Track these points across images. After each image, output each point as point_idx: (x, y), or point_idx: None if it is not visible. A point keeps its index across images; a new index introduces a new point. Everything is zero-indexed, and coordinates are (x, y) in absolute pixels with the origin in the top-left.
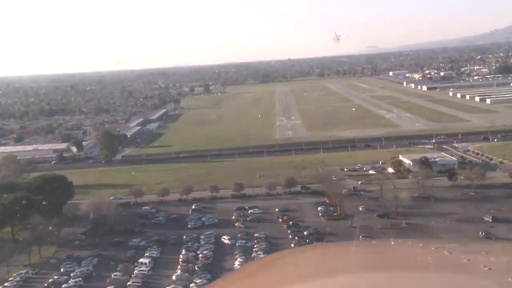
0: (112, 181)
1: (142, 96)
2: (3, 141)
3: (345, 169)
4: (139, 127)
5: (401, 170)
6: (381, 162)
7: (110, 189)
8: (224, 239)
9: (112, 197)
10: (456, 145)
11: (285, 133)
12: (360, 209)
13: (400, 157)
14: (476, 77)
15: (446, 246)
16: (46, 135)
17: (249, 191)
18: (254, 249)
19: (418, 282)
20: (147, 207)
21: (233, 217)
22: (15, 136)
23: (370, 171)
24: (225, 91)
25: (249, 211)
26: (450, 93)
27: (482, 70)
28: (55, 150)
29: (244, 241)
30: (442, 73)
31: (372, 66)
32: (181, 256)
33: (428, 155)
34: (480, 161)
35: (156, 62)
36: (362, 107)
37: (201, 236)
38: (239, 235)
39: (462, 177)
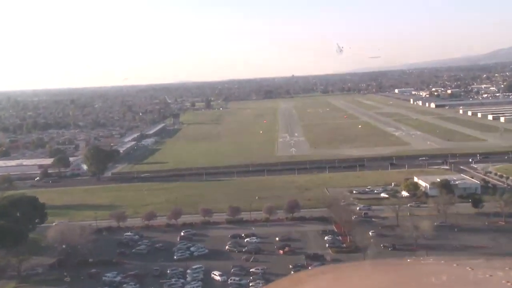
0: (97, 201)
1: (141, 111)
2: None
3: (354, 192)
4: (134, 142)
5: (417, 194)
6: (394, 184)
7: (93, 210)
8: (215, 274)
9: (92, 221)
10: (475, 166)
11: (287, 150)
12: (373, 240)
13: (415, 179)
14: (485, 95)
15: (468, 263)
16: (36, 150)
17: (247, 215)
18: None
19: None
20: (129, 233)
21: (227, 246)
22: (3, 149)
23: (382, 194)
24: (227, 106)
25: (245, 240)
26: (461, 111)
27: (490, 88)
28: (40, 166)
29: (237, 278)
30: (449, 91)
31: (376, 83)
32: None
33: (447, 177)
34: (505, 185)
35: (160, 78)
36: (369, 124)
37: (188, 271)
38: (232, 270)
39: (487, 204)
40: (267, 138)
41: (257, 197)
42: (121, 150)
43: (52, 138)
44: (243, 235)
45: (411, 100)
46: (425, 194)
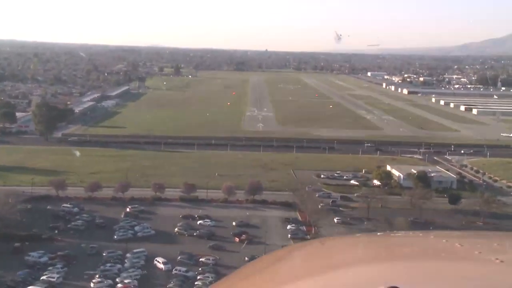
0: (39, 164)
1: (107, 71)
2: None
3: (322, 176)
4: (92, 103)
5: (389, 184)
6: (364, 171)
7: (33, 174)
8: (158, 262)
9: (28, 187)
10: (449, 157)
11: (254, 125)
12: (340, 232)
13: (388, 168)
14: (457, 86)
15: (457, 239)
16: None
17: (203, 193)
18: (196, 283)
19: (428, 274)
20: (67, 205)
21: (177, 229)
22: None
23: (352, 181)
24: (197, 74)
25: (198, 222)
26: (433, 99)
27: (461, 79)
28: None
29: (184, 269)
30: (421, 79)
31: (349, 65)
32: (92, 285)
33: (423, 168)
34: (481, 181)
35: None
36: (340, 105)
37: (128, 255)
38: (179, 257)
39: (465, 200)
40: (234, 111)
41: (216, 174)
42: (77, 109)
43: (4, 90)
44: (196, 216)
45: (384, 85)
46: (399, 185)
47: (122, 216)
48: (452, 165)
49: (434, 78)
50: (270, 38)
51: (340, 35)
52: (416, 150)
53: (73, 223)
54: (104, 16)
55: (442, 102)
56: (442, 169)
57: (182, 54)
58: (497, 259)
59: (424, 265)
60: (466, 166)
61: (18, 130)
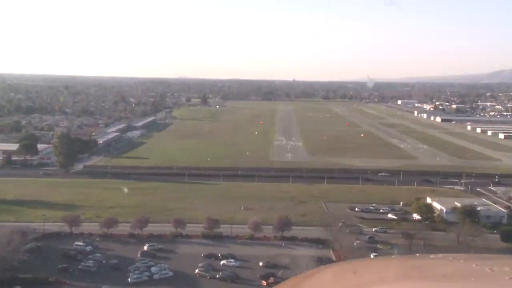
0: (56, 198)
1: (135, 102)
2: None
3: (356, 209)
4: (117, 134)
5: (431, 218)
6: (402, 204)
7: (47, 209)
8: None
9: (39, 223)
10: (493, 189)
11: (283, 155)
12: None
13: (428, 200)
14: (492, 113)
15: (473, 260)
16: (10, 134)
17: (227, 229)
18: None
19: None
20: (80, 243)
21: (197, 270)
22: None
23: (389, 215)
24: (224, 104)
25: (221, 262)
26: (468, 127)
27: (496, 107)
28: (4, 152)
29: None
30: (454, 106)
31: (379, 93)
32: None
33: (468, 202)
34: None
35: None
36: (371, 134)
37: None
38: None
39: None
40: (262, 140)
41: (242, 207)
42: (101, 140)
43: (30, 122)
44: (219, 255)
45: (415, 112)
46: (442, 219)
47: (139, 255)
48: (498, 197)
49: (467, 106)
50: (298, 68)
51: (372, 79)
52: (456, 180)
53: (84, 264)
54: (134, 49)
55: (478, 130)
56: (489, 202)
57: (210, 85)
58: (510, 278)
59: (437, 283)
60: None
61: (40, 162)
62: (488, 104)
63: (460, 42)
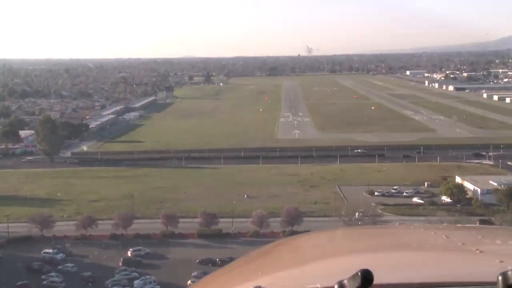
0: (34, 191)
1: (135, 83)
2: None
3: (376, 193)
4: (113, 116)
5: (463, 201)
6: (427, 184)
7: (20, 206)
8: None
9: (7, 224)
10: None
11: (290, 132)
12: None
13: (458, 179)
14: (506, 80)
15: (446, 231)
16: None
17: (228, 224)
18: None
19: (403, 262)
20: (49, 250)
21: (189, 281)
22: None
23: (415, 199)
24: (228, 82)
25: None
26: (484, 95)
27: (509, 73)
28: None
29: None
30: (465, 74)
31: (385, 64)
32: None
33: (505, 180)
34: None
35: (164, 53)
36: (383, 106)
37: None
38: None
39: None
40: (267, 117)
41: (245, 196)
42: (94, 124)
43: (20, 107)
44: (217, 260)
45: (426, 82)
46: (477, 201)
47: (120, 263)
48: None
49: (479, 73)
50: (302, 43)
51: (311, 48)
52: (484, 153)
53: (48, 280)
54: (137, 29)
55: (495, 97)
56: None
57: (214, 63)
58: (477, 249)
59: (401, 254)
60: None
61: (24, 151)
62: (500, 71)
63: (465, 10)
